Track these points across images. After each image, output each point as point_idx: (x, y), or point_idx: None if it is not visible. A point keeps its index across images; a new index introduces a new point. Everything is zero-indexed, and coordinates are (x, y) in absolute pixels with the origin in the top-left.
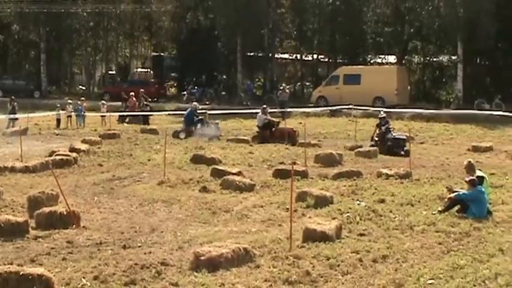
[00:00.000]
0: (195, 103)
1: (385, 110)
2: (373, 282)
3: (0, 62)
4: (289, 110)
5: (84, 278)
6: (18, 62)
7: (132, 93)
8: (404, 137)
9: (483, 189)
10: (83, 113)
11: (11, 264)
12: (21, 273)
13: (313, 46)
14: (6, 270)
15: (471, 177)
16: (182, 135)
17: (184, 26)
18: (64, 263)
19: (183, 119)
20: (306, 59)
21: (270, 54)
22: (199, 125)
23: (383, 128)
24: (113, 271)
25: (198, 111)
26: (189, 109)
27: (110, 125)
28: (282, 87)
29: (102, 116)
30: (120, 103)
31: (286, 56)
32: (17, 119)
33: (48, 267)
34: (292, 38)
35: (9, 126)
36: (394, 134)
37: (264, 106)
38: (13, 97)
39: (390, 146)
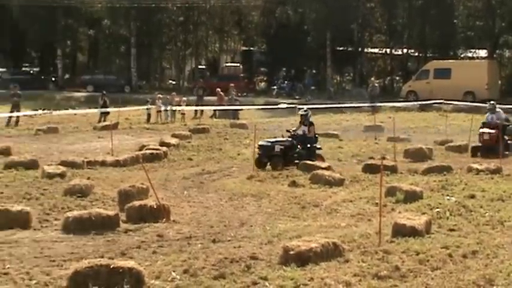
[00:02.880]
0: (499, 110)
1: (475, 104)
2: (463, 278)
3: (91, 57)
4: (379, 104)
5: (174, 271)
6: (108, 56)
7: (219, 89)
8: None
9: None
10: (171, 107)
11: (102, 257)
12: (111, 267)
13: (403, 40)
14: (97, 263)
15: None
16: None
17: (274, 20)
18: (154, 257)
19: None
20: (395, 53)
21: (360, 49)
22: None
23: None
24: (203, 265)
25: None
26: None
27: (199, 120)
28: (371, 82)
29: (182, 114)
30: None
31: (375, 50)
32: (108, 113)
33: (138, 260)
34: (381, 33)
35: (100, 121)
36: None
37: (492, 102)
38: (104, 92)
39: None
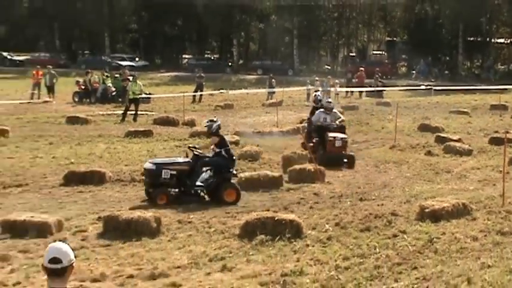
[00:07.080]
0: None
1: None
2: None
3: (261, 46)
4: None
5: (327, 224)
6: (275, 45)
7: (362, 69)
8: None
9: None
10: (328, 88)
11: (268, 210)
12: (276, 218)
13: None
14: (264, 216)
15: None
16: None
17: (414, 15)
18: (311, 211)
19: None
20: None
21: (488, 39)
22: None
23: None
24: (351, 219)
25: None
26: None
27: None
28: None
29: (336, 94)
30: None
31: (502, 40)
32: (274, 92)
33: (298, 214)
34: (507, 25)
35: (268, 99)
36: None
37: (330, 100)
38: (271, 75)
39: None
